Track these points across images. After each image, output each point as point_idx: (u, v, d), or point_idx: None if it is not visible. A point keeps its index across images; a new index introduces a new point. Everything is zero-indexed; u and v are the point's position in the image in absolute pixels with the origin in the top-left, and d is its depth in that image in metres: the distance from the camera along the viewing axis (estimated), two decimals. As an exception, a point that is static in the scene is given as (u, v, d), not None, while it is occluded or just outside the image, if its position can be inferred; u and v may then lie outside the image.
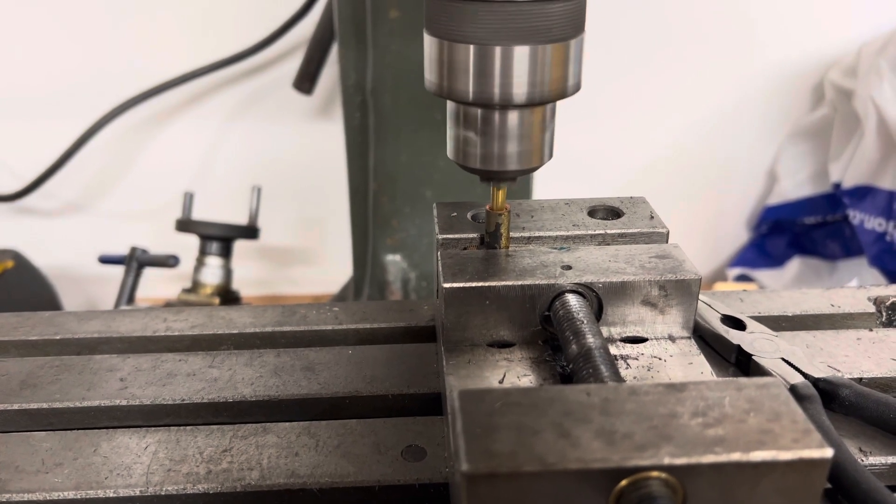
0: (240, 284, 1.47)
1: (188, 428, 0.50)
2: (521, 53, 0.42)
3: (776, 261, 1.86)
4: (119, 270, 1.42)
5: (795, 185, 1.77)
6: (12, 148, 1.68)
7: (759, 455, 0.31)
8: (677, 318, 0.49)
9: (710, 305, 0.56)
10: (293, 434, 0.49)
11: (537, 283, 0.47)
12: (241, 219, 1.47)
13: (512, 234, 0.53)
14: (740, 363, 0.52)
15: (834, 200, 1.71)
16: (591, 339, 0.43)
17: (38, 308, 1.52)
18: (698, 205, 1.88)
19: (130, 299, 1.38)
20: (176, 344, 0.60)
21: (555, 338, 0.49)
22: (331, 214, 1.79)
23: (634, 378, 0.46)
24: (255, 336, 0.60)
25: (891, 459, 0.46)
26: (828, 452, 0.31)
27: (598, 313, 0.49)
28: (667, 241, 0.54)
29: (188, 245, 1.44)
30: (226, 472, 0.46)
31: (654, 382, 0.36)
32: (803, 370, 0.50)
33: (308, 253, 1.90)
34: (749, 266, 1.87)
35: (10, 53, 1.60)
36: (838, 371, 0.51)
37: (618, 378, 0.41)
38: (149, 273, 1.46)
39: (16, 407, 0.52)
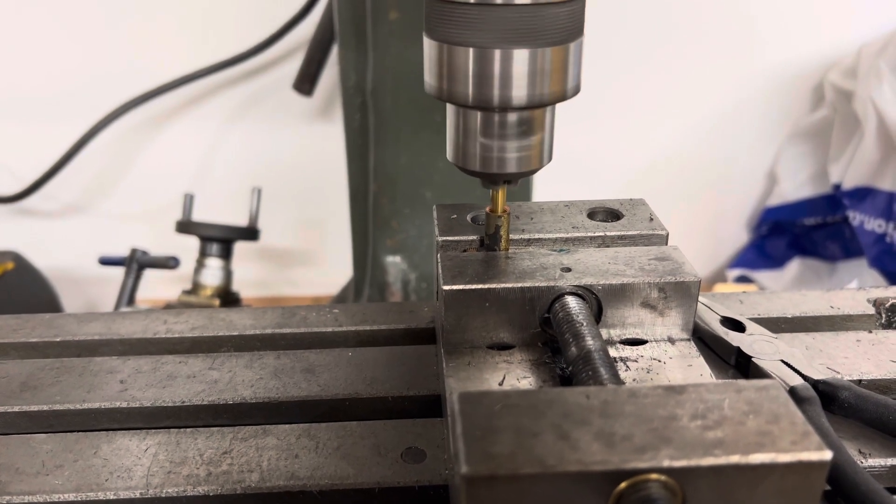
0: (240, 286, 1.47)
1: (188, 430, 0.50)
2: (521, 56, 0.42)
3: (776, 262, 1.86)
4: (119, 272, 1.43)
5: (795, 187, 1.77)
6: (13, 149, 1.68)
7: (758, 457, 0.31)
8: (677, 320, 0.49)
9: (709, 307, 0.56)
10: (293, 436, 0.49)
11: (537, 285, 0.47)
12: (242, 220, 1.47)
13: (511, 237, 0.53)
14: (740, 365, 0.52)
15: (834, 201, 1.71)
16: (590, 342, 0.43)
17: (39, 309, 1.52)
18: (698, 206, 1.88)
19: (131, 301, 1.38)
20: (176, 346, 0.60)
21: (554, 340, 0.49)
22: (331, 216, 1.79)
23: (634, 380, 0.46)
24: (256, 338, 0.60)
25: (890, 461, 0.46)
26: (827, 455, 0.31)
27: (597, 315, 0.49)
28: (666, 244, 0.54)
29: (188, 246, 1.44)
30: (226, 475, 0.46)
31: (653, 385, 0.36)
32: (803, 372, 0.50)
33: (308, 254, 1.90)
34: (749, 267, 1.87)
35: (10, 55, 1.60)
36: (838, 373, 0.51)
37: (617, 380, 0.41)
38: (149, 274, 1.46)
39: (16, 409, 0.52)
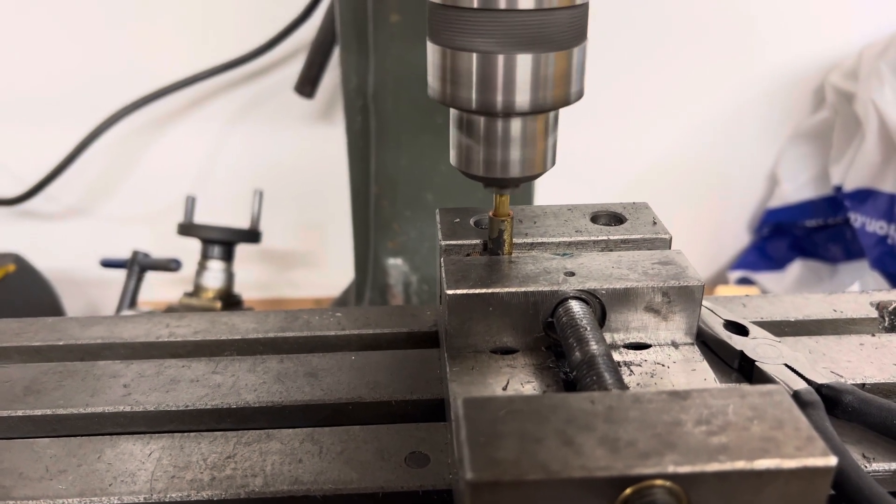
0: (241, 288, 1.47)
1: (192, 434, 0.50)
2: (524, 61, 0.42)
3: (777, 263, 1.86)
4: (121, 274, 1.43)
5: (796, 188, 1.77)
6: (14, 151, 1.69)
7: (763, 463, 0.31)
8: (680, 324, 0.49)
9: (712, 311, 0.56)
10: (297, 440, 0.49)
11: (540, 289, 0.47)
12: (243, 222, 1.47)
13: (515, 240, 0.53)
14: (743, 369, 0.52)
15: (835, 203, 1.71)
16: (594, 346, 0.43)
17: (40, 312, 1.52)
18: (699, 207, 1.88)
19: (132, 303, 1.38)
20: (179, 350, 0.60)
21: (558, 344, 0.49)
22: (332, 218, 1.79)
23: (638, 385, 0.46)
24: (258, 342, 0.60)
25: (894, 466, 0.46)
26: (832, 460, 0.31)
27: (601, 320, 0.49)
28: (669, 247, 0.54)
29: (190, 249, 1.44)
30: (230, 479, 0.46)
31: (657, 390, 0.36)
32: (806, 376, 0.50)
33: (309, 256, 1.90)
34: (750, 269, 1.87)
35: (11, 57, 1.60)
36: (841, 377, 0.51)
37: (621, 385, 0.41)
38: (151, 277, 1.46)
39: (19, 413, 0.52)
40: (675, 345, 0.50)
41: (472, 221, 0.55)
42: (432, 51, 0.45)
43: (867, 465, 0.46)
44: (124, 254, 1.44)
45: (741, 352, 0.52)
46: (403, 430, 0.50)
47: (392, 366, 0.56)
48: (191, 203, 1.44)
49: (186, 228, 1.41)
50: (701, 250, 1.93)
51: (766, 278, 1.85)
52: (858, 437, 0.48)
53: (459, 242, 0.53)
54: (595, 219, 0.56)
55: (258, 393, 0.53)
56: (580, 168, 1.70)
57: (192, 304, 1.36)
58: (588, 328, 0.45)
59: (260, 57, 1.55)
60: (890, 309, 0.60)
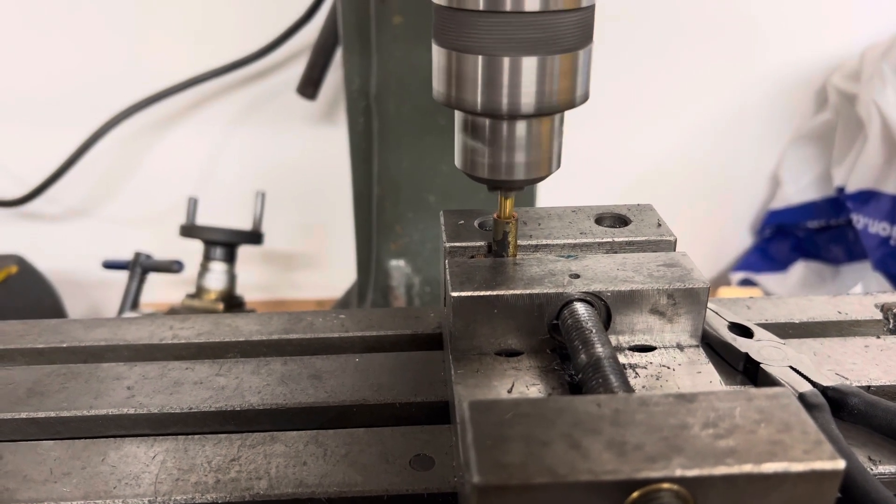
0: (244, 289, 1.47)
1: (196, 437, 0.50)
2: (530, 64, 0.42)
3: (780, 265, 1.86)
4: (123, 276, 1.43)
5: (799, 190, 1.77)
6: (16, 153, 1.69)
7: (770, 467, 0.31)
8: (686, 326, 0.49)
9: (717, 313, 0.56)
10: (301, 443, 0.49)
11: (545, 291, 0.47)
12: (245, 224, 1.47)
13: (519, 243, 0.53)
14: (748, 371, 0.52)
15: (837, 205, 1.71)
16: (599, 349, 0.43)
17: (42, 313, 1.52)
18: (701, 208, 1.88)
19: (134, 305, 1.38)
20: (182, 352, 0.60)
21: (563, 346, 0.49)
22: (334, 219, 1.79)
23: (643, 387, 0.46)
24: (262, 344, 0.60)
25: (900, 468, 0.45)
26: (840, 464, 0.31)
27: (606, 322, 0.49)
28: (674, 249, 0.54)
29: (192, 250, 1.44)
30: (234, 482, 0.46)
31: (664, 393, 0.36)
32: (811, 378, 0.50)
33: (312, 258, 1.90)
34: (753, 270, 1.87)
35: (13, 58, 1.60)
36: (846, 379, 0.51)
37: (627, 388, 0.41)
38: (153, 278, 1.46)
39: (23, 415, 0.52)
40: (680, 347, 0.49)
41: (476, 223, 0.55)
42: (437, 53, 0.45)
43: (873, 467, 0.45)
44: (126, 255, 1.44)
45: (746, 354, 0.52)
46: (408, 432, 0.50)
47: (396, 368, 0.56)
48: (193, 204, 1.44)
49: (188, 230, 1.41)
50: (703, 252, 1.93)
51: (768, 280, 1.85)
52: (864, 440, 0.47)
53: (464, 244, 0.53)
54: (600, 221, 0.56)
55: (262, 395, 0.53)
56: (582, 169, 1.70)
57: (194, 305, 1.36)
58: (593, 330, 0.45)
59: (262, 58, 1.55)
60: (894, 311, 0.60)
